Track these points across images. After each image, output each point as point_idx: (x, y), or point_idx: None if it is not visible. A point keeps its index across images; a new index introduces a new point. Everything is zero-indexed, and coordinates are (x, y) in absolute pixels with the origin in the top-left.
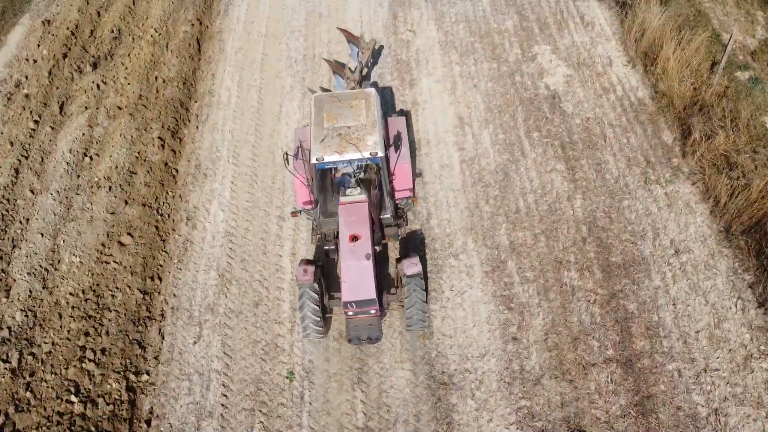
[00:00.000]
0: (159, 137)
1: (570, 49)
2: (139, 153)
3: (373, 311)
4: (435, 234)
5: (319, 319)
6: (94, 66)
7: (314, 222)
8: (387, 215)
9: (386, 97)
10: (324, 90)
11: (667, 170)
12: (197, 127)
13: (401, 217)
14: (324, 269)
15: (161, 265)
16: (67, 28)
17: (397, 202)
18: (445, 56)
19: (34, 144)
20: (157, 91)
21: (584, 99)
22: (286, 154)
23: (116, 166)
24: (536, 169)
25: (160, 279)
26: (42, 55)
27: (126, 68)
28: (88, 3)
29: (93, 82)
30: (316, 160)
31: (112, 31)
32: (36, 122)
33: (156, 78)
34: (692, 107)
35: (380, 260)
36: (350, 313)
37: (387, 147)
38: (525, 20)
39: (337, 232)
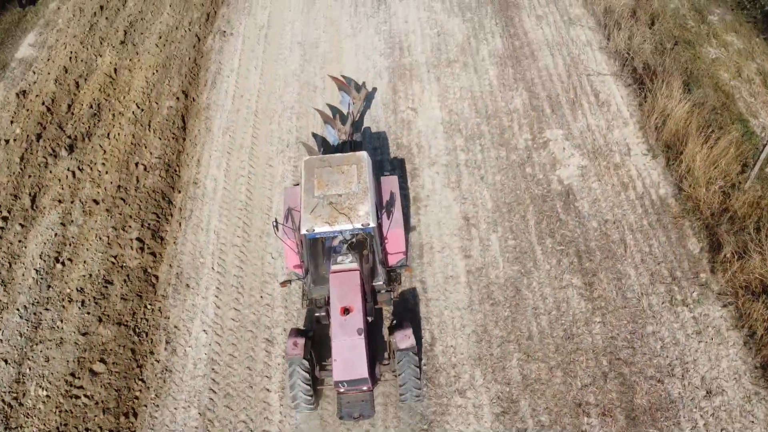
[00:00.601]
0: (138, 238)
1: (584, 134)
2: (115, 258)
3: (365, 388)
4: (439, 364)
5: (310, 394)
6: (71, 149)
7: (304, 288)
8: (379, 282)
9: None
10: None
11: (695, 288)
12: (180, 224)
13: (394, 280)
14: (315, 337)
15: (137, 398)
16: (43, 103)
17: (390, 266)
18: (450, 141)
19: (2, 246)
20: (138, 181)
21: (601, 196)
22: (276, 221)
23: (90, 275)
24: (550, 284)
25: (135, 415)
26: (15, 134)
27: (104, 152)
28: (66, 71)
29: (68, 169)
30: (306, 231)
31: (91, 106)
32: (5, 219)
33: (137, 164)
34: (721, 215)
35: (373, 325)
36: (341, 390)
37: (380, 210)
38: (535, 97)
39: (328, 298)
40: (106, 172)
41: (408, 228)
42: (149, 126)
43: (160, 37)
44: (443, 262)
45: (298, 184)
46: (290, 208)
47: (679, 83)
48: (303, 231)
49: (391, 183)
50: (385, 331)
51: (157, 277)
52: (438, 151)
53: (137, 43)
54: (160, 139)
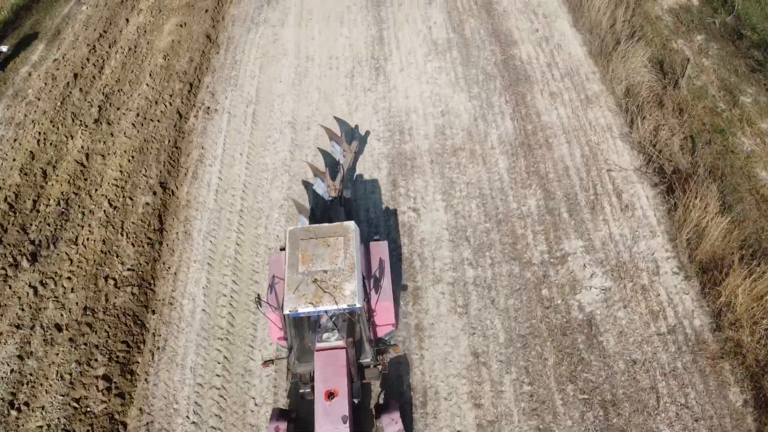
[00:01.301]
0: (105, 375)
1: (607, 246)
2: (78, 402)
3: None
4: None
5: None
6: (33, 258)
7: (289, 363)
8: (367, 359)
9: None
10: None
11: None
12: (153, 355)
13: (384, 352)
14: (299, 416)
15: None
16: (6, 199)
17: (378, 338)
18: (456, 251)
19: None
20: (107, 300)
21: (628, 328)
22: (258, 296)
23: (49, 425)
24: None
25: None
26: None
27: (71, 262)
28: (33, 158)
29: (30, 284)
30: (289, 311)
31: (59, 203)
32: None
33: (106, 279)
34: None
35: (360, 396)
36: None
37: (367, 281)
38: (551, 198)
39: (314, 373)
40: (72, 289)
41: (399, 291)
42: (122, 229)
43: (138, 114)
44: (450, 412)
45: (284, 249)
46: (275, 276)
47: (715, 193)
48: (286, 311)
49: (380, 249)
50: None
51: (125, 426)
52: (443, 264)
53: (112, 122)
54: (133, 245)
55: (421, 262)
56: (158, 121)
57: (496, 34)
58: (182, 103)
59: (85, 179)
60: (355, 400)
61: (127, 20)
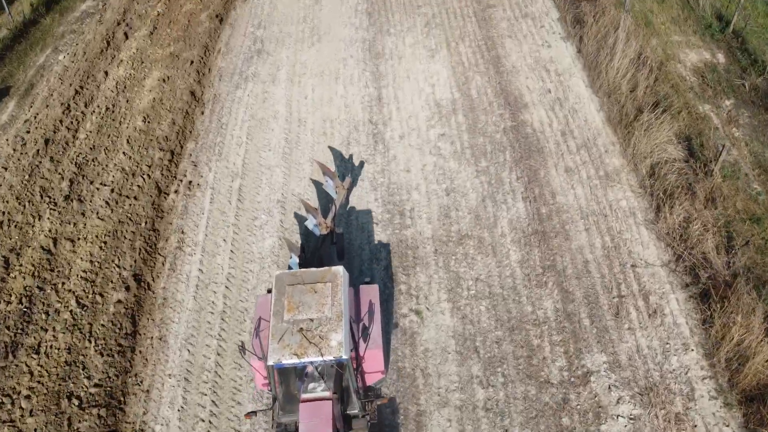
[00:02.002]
0: None
1: (634, 362)
2: None
3: None
4: None
5: None
6: None
7: (273, 413)
8: (354, 410)
9: None
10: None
11: None
12: None
13: (373, 400)
14: None
15: None
16: None
17: (366, 386)
18: (464, 366)
19: None
20: (69, 425)
21: None
22: (242, 344)
23: None
24: None
25: None
26: None
27: (31, 376)
28: None
29: None
30: (273, 362)
31: (21, 301)
32: None
33: (70, 398)
34: None
35: None
36: None
37: (355, 334)
38: (569, 300)
39: (298, 424)
40: (31, 413)
41: (391, 331)
42: (90, 333)
43: (113, 190)
44: None
45: (270, 291)
46: (261, 319)
47: (760, 310)
48: (270, 362)
49: (370, 293)
50: None
51: None
52: (449, 383)
53: (84, 199)
54: (102, 354)
55: (424, 379)
56: (135, 198)
57: (504, 95)
58: (162, 175)
59: (52, 270)
60: None
61: (106, 73)
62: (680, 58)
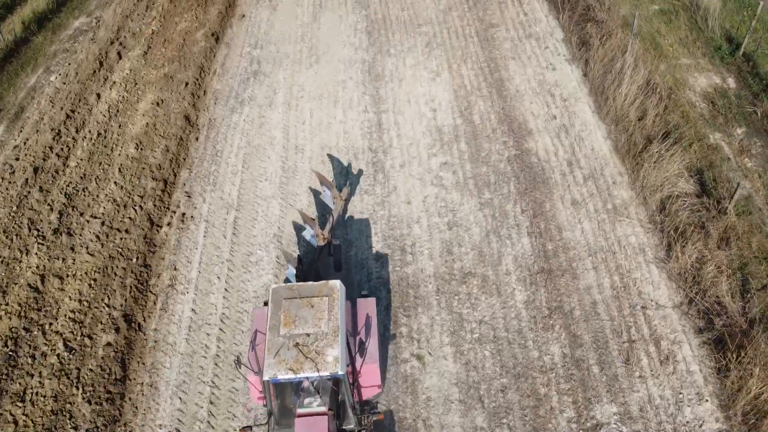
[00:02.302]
0: None
1: (646, 413)
2: None
3: None
4: None
5: None
6: None
7: (268, 428)
8: (350, 425)
9: None
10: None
11: None
12: None
13: (367, 412)
14: None
15: None
16: None
17: (363, 400)
18: (467, 417)
19: None
20: None
21: None
22: (238, 358)
23: None
24: None
25: None
26: None
27: (16, 425)
28: None
29: None
30: (269, 377)
31: (6, 343)
32: None
33: None
34: None
35: None
36: None
37: (352, 349)
38: (577, 344)
39: None
40: None
41: (388, 342)
42: (78, 379)
43: (103, 223)
44: None
45: (267, 304)
46: (258, 331)
47: None
48: (265, 377)
49: (368, 307)
50: None
51: None
52: None
53: (74, 232)
54: (89, 402)
55: (426, 431)
56: (126, 231)
57: (508, 121)
58: (154, 206)
59: (39, 309)
60: None
61: (99, 96)
62: (689, 82)
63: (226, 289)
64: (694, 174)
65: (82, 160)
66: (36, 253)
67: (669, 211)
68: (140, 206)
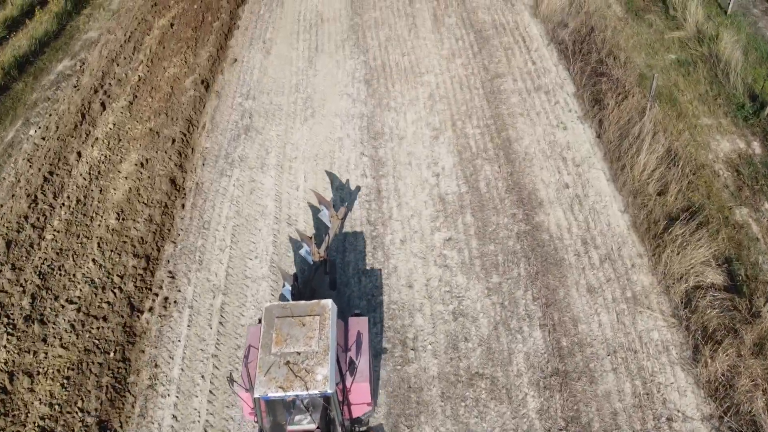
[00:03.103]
0: None
1: None
2: None
3: None
4: None
5: None
6: None
7: None
8: None
9: None
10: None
11: None
12: None
13: (357, 428)
14: None
15: None
16: None
17: (353, 418)
18: None
19: None
20: None
21: None
22: (231, 375)
23: None
24: None
25: None
26: None
27: None
28: None
29: None
30: (259, 395)
31: None
32: None
33: None
34: None
35: None
36: None
37: (342, 367)
38: None
39: None
40: None
41: (375, 378)
42: None
43: (80, 309)
44: None
45: (261, 321)
46: (250, 346)
47: None
48: (256, 395)
49: (359, 325)
50: None
51: None
52: None
53: (47, 320)
54: None
55: None
56: (104, 319)
57: (517, 189)
58: (135, 287)
59: (5, 415)
60: None
61: (79, 154)
62: (712, 147)
63: (211, 391)
64: (722, 262)
65: (58, 232)
66: (5, 346)
67: (695, 306)
68: (120, 288)
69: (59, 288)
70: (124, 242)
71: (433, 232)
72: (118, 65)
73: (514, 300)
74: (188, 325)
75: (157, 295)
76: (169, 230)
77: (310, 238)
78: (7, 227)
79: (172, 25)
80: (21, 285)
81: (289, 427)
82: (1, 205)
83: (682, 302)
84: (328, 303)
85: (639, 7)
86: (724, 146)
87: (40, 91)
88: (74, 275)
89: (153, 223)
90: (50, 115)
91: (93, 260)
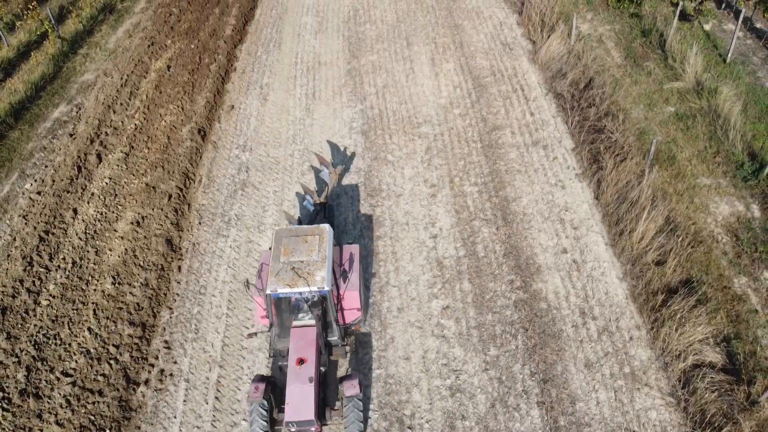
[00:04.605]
0: None
1: None
2: None
3: (313, 429)
4: None
5: (267, 431)
6: None
7: (270, 340)
8: (334, 337)
9: None
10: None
11: None
12: None
13: (350, 335)
14: (276, 383)
15: None
16: None
17: (346, 323)
18: None
19: None
20: None
21: None
22: (247, 281)
23: None
24: None
25: None
26: None
27: None
28: None
29: None
30: (270, 291)
31: None
32: None
33: None
34: None
35: (328, 375)
36: (292, 430)
37: (336, 278)
38: None
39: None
40: None
41: (369, 281)
42: None
43: (75, 383)
44: None
45: (271, 248)
46: (263, 264)
47: None
48: (267, 291)
49: (352, 250)
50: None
51: None
52: None
53: (42, 395)
54: None
55: None
56: (99, 392)
57: (515, 254)
58: (131, 358)
59: None
60: (322, 369)
61: (75, 212)
62: (710, 209)
63: None
64: (721, 340)
65: (54, 297)
66: (0, 423)
67: (693, 387)
68: (116, 359)
69: (54, 359)
70: (120, 308)
71: (430, 299)
72: (114, 112)
73: (511, 375)
74: (184, 400)
75: (153, 366)
76: (165, 295)
77: (313, 191)
78: (2, 292)
79: (168, 67)
80: (16, 356)
81: (294, 323)
82: None
83: (680, 381)
84: (326, 226)
85: (638, 54)
86: (723, 209)
87: (36, 139)
88: (69, 345)
89: (149, 288)
90: (46, 166)
91: (89, 329)
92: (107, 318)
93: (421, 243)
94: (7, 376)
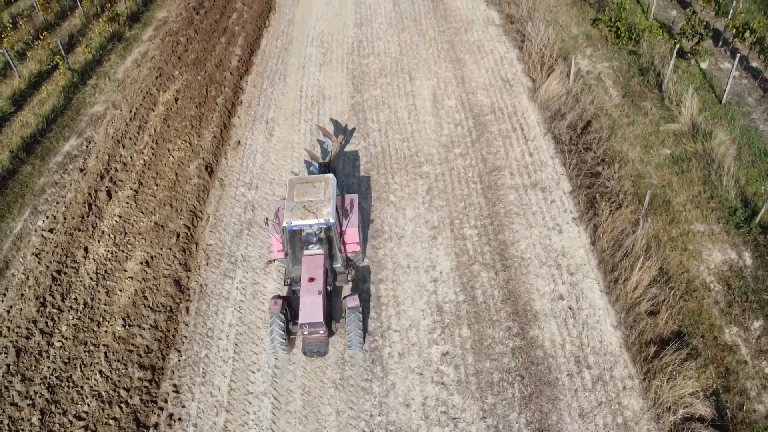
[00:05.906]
0: None
1: None
2: None
3: (321, 332)
4: None
5: (284, 338)
6: None
7: (286, 268)
8: (338, 264)
9: None
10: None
11: None
12: None
13: (351, 265)
14: (291, 303)
15: None
16: None
17: (348, 255)
18: None
19: None
20: None
21: None
22: (267, 219)
23: None
24: None
25: None
26: None
27: None
28: None
29: None
30: (286, 224)
31: None
32: None
33: None
34: None
35: (333, 295)
36: (305, 332)
37: (339, 216)
38: None
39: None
40: None
41: (363, 227)
42: None
43: (87, 427)
44: None
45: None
46: (280, 208)
47: None
48: (283, 224)
49: (351, 198)
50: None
51: None
52: None
53: (55, 429)
54: None
55: None
56: None
57: (513, 300)
58: (141, 402)
59: None
60: (329, 288)
61: (86, 250)
62: (703, 256)
63: None
64: (711, 394)
65: (66, 339)
66: None
67: None
68: (126, 402)
69: (67, 401)
70: (130, 351)
71: (430, 344)
72: (123, 146)
73: (508, 424)
74: None
75: (162, 409)
76: (174, 336)
77: (317, 156)
78: (17, 332)
79: (176, 100)
80: (30, 398)
81: (305, 252)
82: (11, 307)
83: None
84: (331, 175)
85: (635, 93)
86: (715, 257)
87: (47, 174)
88: (82, 387)
89: (158, 330)
90: (57, 203)
91: (100, 372)
92: (118, 360)
93: (422, 287)
94: (22, 419)
